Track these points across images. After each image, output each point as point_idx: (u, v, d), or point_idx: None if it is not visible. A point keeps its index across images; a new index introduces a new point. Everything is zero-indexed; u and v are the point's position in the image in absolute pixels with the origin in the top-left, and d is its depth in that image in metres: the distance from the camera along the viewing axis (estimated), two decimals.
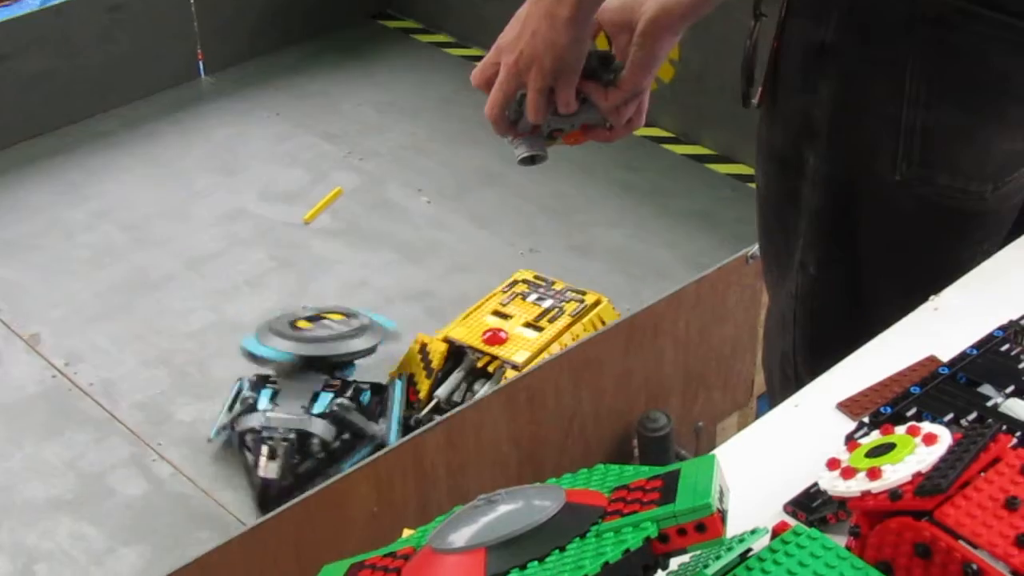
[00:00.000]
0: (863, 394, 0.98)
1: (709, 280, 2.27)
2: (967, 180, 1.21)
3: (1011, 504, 0.70)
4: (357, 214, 3.20)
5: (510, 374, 2.39)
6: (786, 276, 1.38)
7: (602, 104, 1.23)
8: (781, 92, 1.32)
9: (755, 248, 2.27)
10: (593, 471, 0.80)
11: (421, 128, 3.54)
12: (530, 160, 1.26)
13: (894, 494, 0.74)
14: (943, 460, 0.74)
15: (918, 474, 0.74)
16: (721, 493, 0.72)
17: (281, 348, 2.46)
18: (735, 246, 2.50)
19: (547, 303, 2.57)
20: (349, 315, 2.60)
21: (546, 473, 1.94)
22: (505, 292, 2.62)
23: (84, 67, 3.55)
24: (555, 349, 2.44)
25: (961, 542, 0.70)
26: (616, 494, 0.75)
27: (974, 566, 0.69)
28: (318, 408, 2.38)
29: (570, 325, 2.53)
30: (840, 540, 0.79)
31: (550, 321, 2.53)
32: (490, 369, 2.47)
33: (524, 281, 2.65)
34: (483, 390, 2.43)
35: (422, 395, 2.49)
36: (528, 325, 2.52)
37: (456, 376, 2.50)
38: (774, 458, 0.96)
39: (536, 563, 0.69)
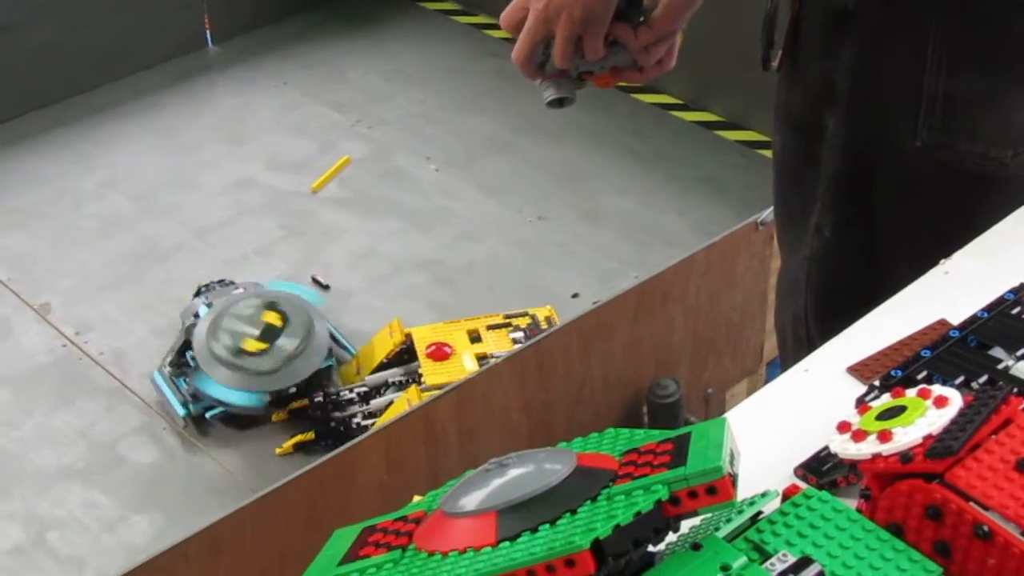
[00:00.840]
0: (873, 358, 0.98)
1: (718, 247, 2.27)
2: (987, 146, 1.21)
3: (1022, 466, 0.70)
4: (365, 183, 3.20)
5: (412, 390, 2.36)
6: (801, 239, 1.38)
7: (632, 46, 1.22)
8: (801, 57, 1.32)
9: (764, 215, 2.27)
10: (604, 435, 0.80)
11: (429, 96, 3.53)
12: (558, 103, 1.25)
13: (905, 456, 0.73)
14: (954, 423, 0.74)
15: (929, 436, 0.74)
16: (732, 456, 0.72)
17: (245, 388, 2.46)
18: (744, 213, 2.50)
19: (520, 344, 2.40)
20: (284, 313, 2.55)
21: (556, 439, 1.94)
22: (505, 319, 2.54)
23: (91, 37, 3.55)
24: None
25: (972, 504, 0.70)
26: (627, 457, 0.75)
27: (985, 528, 0.69)
28: None
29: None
30: (850, 503, 0.79)
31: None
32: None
33: (530, 317, 2.54)
34: (393, 396, 2.42)
35: (362, 373, 2.49)
36: (479, 356, 2.44)
37: (394, 371, 2.49)
38: (784, 422, 0.96)
39: (547, 526, 0.69)
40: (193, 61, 3.75)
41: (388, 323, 2.58)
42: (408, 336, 2.50)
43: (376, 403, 2.43)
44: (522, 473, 0.75)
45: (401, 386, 2.44)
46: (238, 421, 2.51)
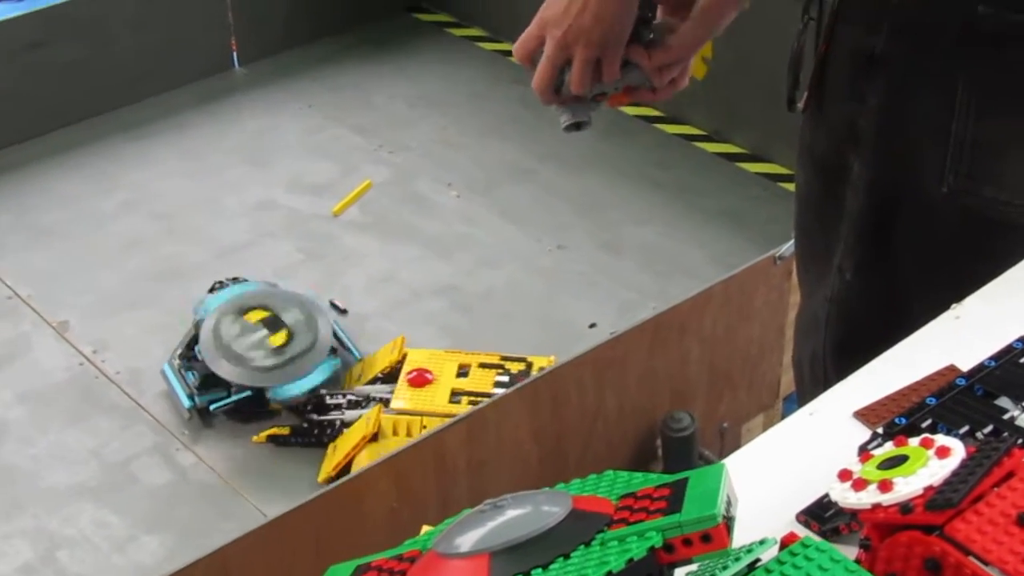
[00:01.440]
0: (881, 403, 0.97)
1: (737, 280, 2.26)
2: (1012, 193, 1.21)
3: (1023, 520, 0.69)
4: (386, 207, 3.21)
5: (375, 410, 2.38)
6: (822, 278, 1.37)
7: (646, 66, 1.24)
8: (827, 98, 1.32)
9: (783, 249, 2.26)
10: (602, 477, 0.80)
11: (452, 122, 3.54)
12: (576, 127, 1.27)
13: (905, 507, 0.73)
14: (955, 474, 0.73)
15: (930, 488, 0.73)
16: (729, 503, 0.72)
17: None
18: (764, 246, 2.49)
19: (501, 388, 2.41)
20: (289, 309, 2.60)
21: (568, 472, 1.94)
22: (501, 359, 2.53)
23: (118, 56, 3.57)
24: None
25: (971, 558, 0.69)
26: (623, 502, 0.74)
27: None
28: None
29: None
30: (852, 551, 0.78)
31: (472, 403, 2.37)
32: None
33: (526, 364, 2.52)
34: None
35: (361, 381, 2.55)
36: (455, 391, 2.44)
37: (381, 387, 2.51)
38: (788, 466, 0.95)
39: (540, 570, 0.69)
40: (219, 82, 3.76)
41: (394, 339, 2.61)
42: (404, 356, 2.53)
43: (352, 414, 2.45)
44: (517, 515, 0.74)
45: (381, 403, 2.45)
46: (242, 415, 2.53)
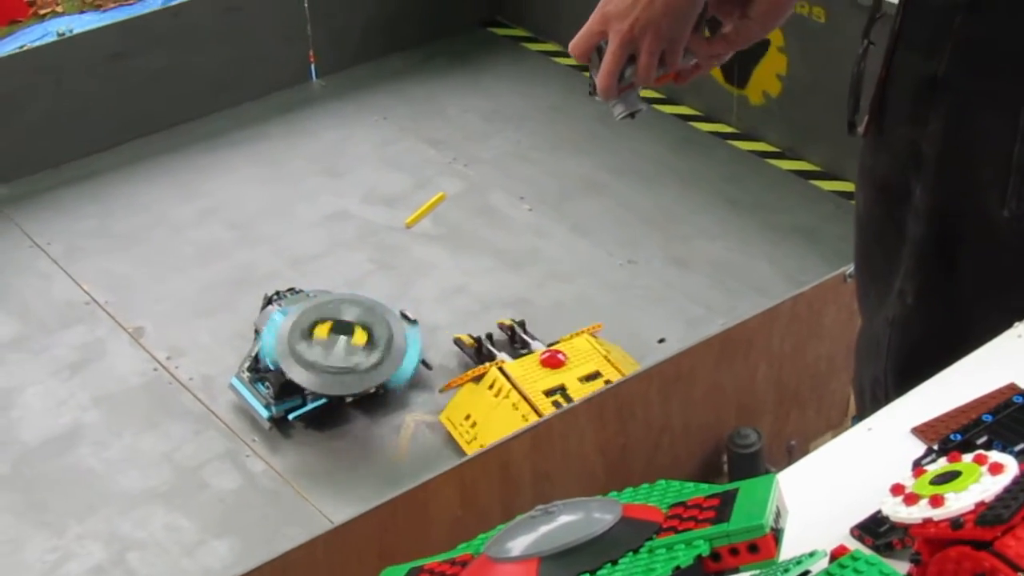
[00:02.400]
0: (939, 420, 0.97)
1: (806, 297, 2.25)
2: None
3: None
4: (459, 220, 3.23)
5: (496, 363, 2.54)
6: (884, 302, 1.36)
7: (704, 56, 1.28)
8: (888, 122, 1.31)
9: (853, 267, 2.25)
10: (654, 486, 0.80)
11: (525, 136, 3.56)
12: (631, 116, 1.29)
13: (955, 523, 0.73)
14: (1007, 490, 0.73)
15: (981, 503, 0.73)
16: (778, 514, 0.72)
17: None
18: (836, 263, 2.48)
19: None
20: (365, 316, 2.65)
21: (633, 485, 1.93)
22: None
23: (199, 67, 3.62)
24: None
25: (1021, 574, 0.69)
26: (673, 511, 0.75)
27: None
28: None
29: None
30: (904, 566, 0.78)
31: (556, 403, 2.47)
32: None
33: None
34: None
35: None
36: (559, 388, 2.50)
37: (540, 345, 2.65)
38: (845, 480, 0.95)
39: (587, 575, 0.70)
40: (297, 93, 3.81)
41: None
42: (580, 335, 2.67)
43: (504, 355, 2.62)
44: (568, 521, 0.75)
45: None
46: (318, 423, 2.57)
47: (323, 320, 2.60)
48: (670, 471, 2.20)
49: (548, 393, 2.47)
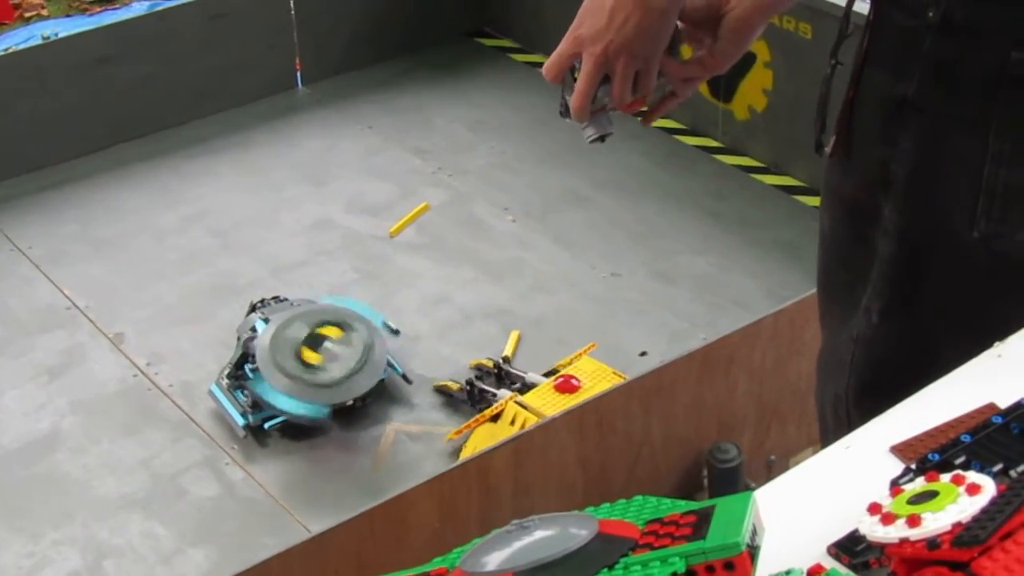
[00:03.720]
0: (917, 439, 0.97)
1: (787, 313, 2.25)
2: None
3: None
4: (442, 229, 3.22)
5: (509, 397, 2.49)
6: (848, 320, 1.36)
7: (677, 78, 1.28)
8: (857, 143, 1.31)
9: None
10: (631, 502, 0.80)
11: (510, 147, 3.56)
12: (601, 139, 1.29)
13: (932, 543, 0.73)
14: (984, 511, 0.73)
15: (958, 524, 0.73)
16: (754, 531, 0.72)
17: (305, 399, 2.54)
18: None
19: None
20: (345, 327, 2.63)
21: (613, 498, 1.93)
22: None
23: (184, 73, 3.61)
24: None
25: None
26: (649, 527, 0.74)
27: None
28: None
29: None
30: None
31: None
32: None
33: None
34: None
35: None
36: None
37: (539, 377, 2.60)
38: (822, 499, 0.94)
39: None
40: (282, 101, 3.80)
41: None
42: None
43: (504, 392, 2.57)
44: (543, 536, 0.75)
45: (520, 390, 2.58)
46: (296, 432, 2.56)
47: (304, 330, 2.59)
48: (650, 484, 2.20)
49: None
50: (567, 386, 2.50)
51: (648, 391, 2.13)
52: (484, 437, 2.44)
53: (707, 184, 3.37)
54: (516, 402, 2.47)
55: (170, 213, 3.30)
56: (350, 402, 2.57)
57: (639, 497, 0.80)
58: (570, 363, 2.64)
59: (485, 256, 3.12)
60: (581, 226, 3.22)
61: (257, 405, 2.55)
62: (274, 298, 2.78)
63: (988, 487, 0.75)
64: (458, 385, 2.63)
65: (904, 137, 1.23)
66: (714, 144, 3.52)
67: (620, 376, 2.55)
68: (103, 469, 2.50)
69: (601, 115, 1.27)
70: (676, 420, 2.21)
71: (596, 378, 2.54)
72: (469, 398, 2.61)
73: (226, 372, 2.61)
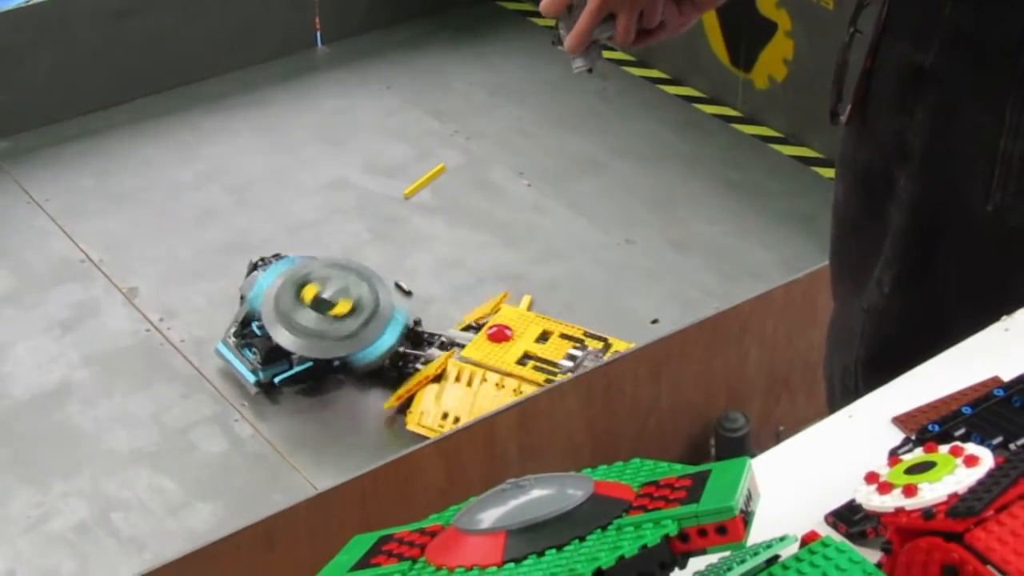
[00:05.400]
0: (920, 410, 0.96)
1: (800, 284, 2.25)
2: None
3: None
4: (457, 192, 3.22)
5: (445, 355, 2.53)
6: (860, 291, 1.36)
7: (673, 21, 1.28)
8: (872, 112, 1.30)
9: None
10: (628, 464, 0.80)
11: (528, 112, 3.54)
12: (589, 71, 1.31)
13: (927, 513, 0.72)
14: (981, 483, 0.73)
15: (954, 495, 0.73)
16: (749, 497, 0.72)
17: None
18: None
19: (570, 362, 2.50)
20: (356, 303, 2.62)
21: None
22: (584, 335, 2.60)
23: (203, 29, 3.61)
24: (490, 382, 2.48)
25: (990, 567, 0.69)
26: (644, 489, 0.74)
27: None
28: None
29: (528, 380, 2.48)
30: (876, 555, 0.78)
31: (536, 368, 2.49)
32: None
33: (604, 344, 2.57)
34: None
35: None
36: (527, 354, 2.52)
37: (467, 334, 2.63)
38: (822, 467, 0.94)
39: (554, 551, 0.69)
40: (301, 60, 3.80)
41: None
42: (498, 310, 2.67)
43: (435, 353, 2.58)
44: (538, 496, 0.75)
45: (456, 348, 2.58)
46: (305, 391, 2.58)
47: (309, 284, 2.60)
48: (657, 451, 2.20)
49: (520, 363, 2.49)
50: (501, 335, 2.55)
51: (658, 358, 2.13)
52: (431, 399, 2.47)
53: (724, 153, 3.36)
54: (458, 359, 2.50)
55: (186, 169, 3.31)
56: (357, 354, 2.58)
57: (636, 460, 0.80)
58: (486, 315, 2.68)
59: (499, 220, 3.11)
60: (596, 192, 3.21)
61: (266, 360, 2.55)
62: (275, 256, 2.78)
63: (986, 459, 0.75)
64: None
65: (921, 107, 1.22)
66: (733, 113, 3.50)
67: (545, 318, 2.62)
68: (113, 422, 2.51)
69: (594, 49, 1.29)
70: (685, 388, 2.21)
71: (524, 324, 2.60)
72: (396, 370, 2.60)
73: (232, 331, 2.61)
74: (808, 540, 0.74)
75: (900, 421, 0.96)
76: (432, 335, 2.64)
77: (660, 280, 2.90)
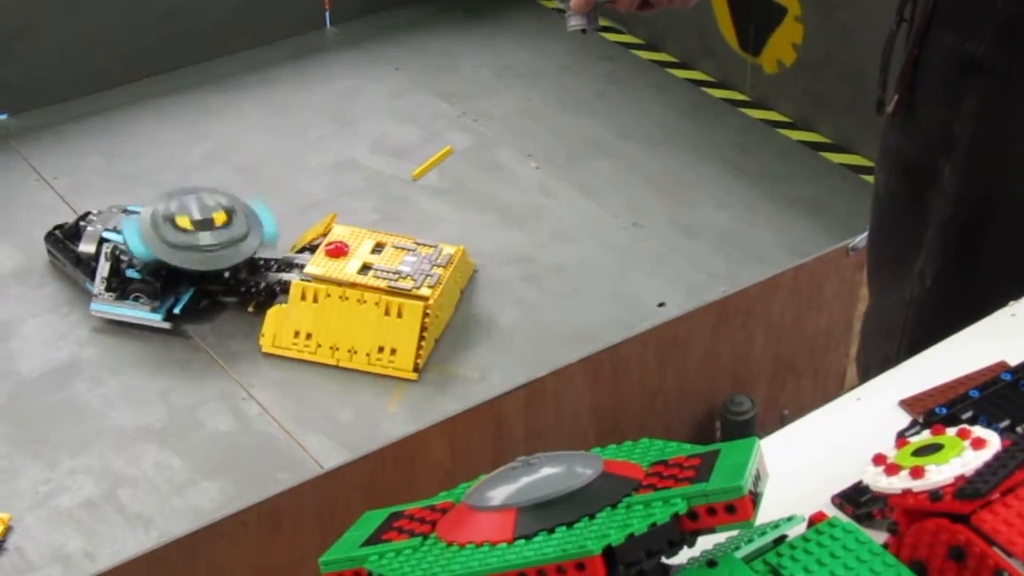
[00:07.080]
0: (927, 393, 0.97)
1: (807, 268, 2.25)
2: None
3: None
4: (465, 174, 3.22)
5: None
6: (901, 282, 1.36)
7: None
8: (918, 102, 1.30)
9: (856, 240, 2.25)
10: (637, 444, 0.81)
11: (537, 94, 3.54)
12: (583, 31, 1.37)
13: (934, 495, 0.73)
14: (988, 465, 0.73)
15: (961, 477, 0.73)
16: (758, 477, 0.72)
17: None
18: (840, 236, 2.47)
19: (408, 267, 2.61)
20: (229, 211, 2.69)
21: None
22: (415, 243, 2.71)
23: (213, 8, 3.61)
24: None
25: (995, 549, 0.70)
26: (654, 468, 0.75)
27: (1005, 574, 0.68)
28: None
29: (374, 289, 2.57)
30: (882, 536, 0.78)
31: (377, 276, 2.59)
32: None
33: (435, 249, 2.69)
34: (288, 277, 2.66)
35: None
36: (366, 265, 2.61)
37: (305, 255, 2.70)
38: (830, 449, 0.95)
39: (564, 528, 0.70)
40: (310, 40, 3.79)
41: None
42: (330, 230, 2.75)
43: (274, 277, 2.67)
44: (548, 473, 0.75)
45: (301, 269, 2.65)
46: (312, 370, 2.59)
47: (180, 212, 2.66)
48: (663, 434, 2.19)
49: (361, 273, 2.59)
50: (339, 251, 2.62)
51: (664, 341, 2.14)
52: (280, 321, 2.58)
53: (732, 137, 3.35)
54: (301, 278, 2.59)
55: (195, 148, 3.31)
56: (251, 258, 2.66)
57: (645, 440, 0.81)
58: (319, 236, 2.74)
59: (507, 202, 3.11)
60: (604, 175, 3.21)
61: (162, 292, 2.62)
62: (111, 208, 2.82)
63: (993, 442, 0.75)
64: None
65: (970, 97, 1.22)
66: (741, 97, 3.50)
67: (377, 232, 2.73)
68: (121, 400, 2.52)
69: (594, 11, 1.31)
70: (691, 371, 2.21)
71: (358, 239, 2.68)
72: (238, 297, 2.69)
73: (103, 288, 2.64)
74: (815, 520, 0.75)
75: (907, 404, 0.97)
76: (269, 260, 2.70)
77: (667, 264, 2.90)
